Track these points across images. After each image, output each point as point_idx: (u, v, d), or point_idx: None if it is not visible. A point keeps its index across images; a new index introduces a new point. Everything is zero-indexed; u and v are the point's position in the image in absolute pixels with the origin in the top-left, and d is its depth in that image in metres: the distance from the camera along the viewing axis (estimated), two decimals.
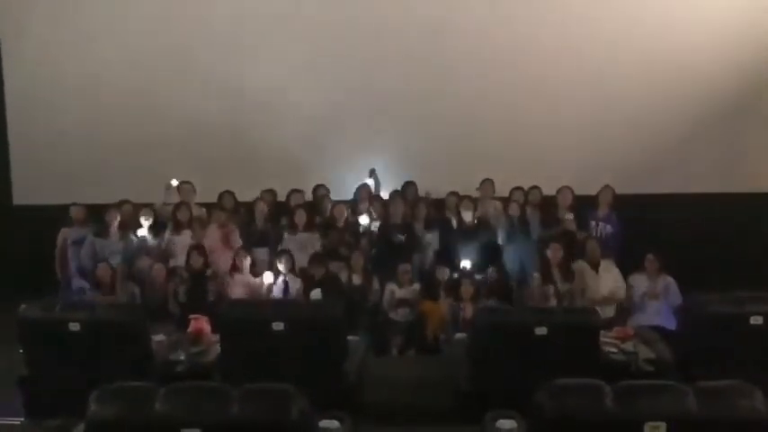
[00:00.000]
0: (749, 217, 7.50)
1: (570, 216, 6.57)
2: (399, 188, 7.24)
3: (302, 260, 6.34)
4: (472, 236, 6.54)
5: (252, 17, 7.69)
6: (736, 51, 7.58)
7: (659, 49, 7.56)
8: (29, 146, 8.01)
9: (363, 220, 6.75)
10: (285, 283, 6.11)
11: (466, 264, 6.22)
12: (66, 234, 6.75)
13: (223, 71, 7.71)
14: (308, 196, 7.22)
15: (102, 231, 6.54)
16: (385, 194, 7.23)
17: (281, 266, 6.15)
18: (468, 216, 6.59)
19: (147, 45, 7.71)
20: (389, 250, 6.51)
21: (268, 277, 6.12)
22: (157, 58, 7.71)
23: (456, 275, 6.20)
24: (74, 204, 6.85)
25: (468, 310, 5.74)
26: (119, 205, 6.70)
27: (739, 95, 7.62)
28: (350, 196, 7.19)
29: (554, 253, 6.03)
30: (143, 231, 6.57)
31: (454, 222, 6.76)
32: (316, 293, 5.94)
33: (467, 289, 5.90)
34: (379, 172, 7.50)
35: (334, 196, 7.17)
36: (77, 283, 6.53)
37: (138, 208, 6.75)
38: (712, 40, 7.56)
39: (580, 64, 7.62)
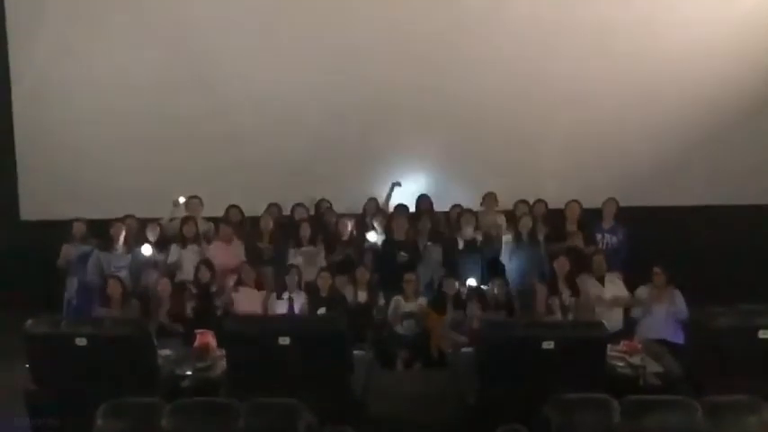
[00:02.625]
0: (757, 229, 7.47)
1: (576, 229, 6.57)
2: (403, 202, 7.25)
3: (307, 274, 6.34)
4: (476, 250, 6.54)
5: (260, 33, 7.72)
6: (739, 63, 7.57)
7: (663, 59, 7.55)
8: (36, 161, 8.04)
9: (372, 237, 6.72)
10: (290, 299, 6.10)
11: (471, 281, 6.21)
12: (68, 250, 6.69)
13: (229, 86, 7.74)
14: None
15: (108, 246, 6.55)
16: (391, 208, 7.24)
17: (288, 282, 6.14)
18: (469, 230, 6.57)
19: (154, 62, 7.75)
20: (393, 268, 6.47)
21: (281, 306, 6.09)
22: (165, 75, 7.74)
23: (464, 291, 6.18)
24: (76, 220, 6.82)
25: (474, 325, 5.73)
26: (123, 220, 6.72)
27: (746, 107, 7.60)
28: (353, 209, 7.22)
29: (560, 266, 6.04)
30: (147, 250, 6.49)
31: (458, 237, 6.74)
32: (322, 312, 5.94)
33: (474, 307, 5.91)
34: (382, 185, 7.49)
35: (338, 209, 7.20)
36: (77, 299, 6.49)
37: (144, 223, 6.76)
38: (716, 49, 7.55)
39: (583, 75, 7.61)
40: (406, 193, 7.42)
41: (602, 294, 6.00)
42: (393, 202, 7.34)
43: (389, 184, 7.45)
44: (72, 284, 6.63)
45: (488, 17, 7.63)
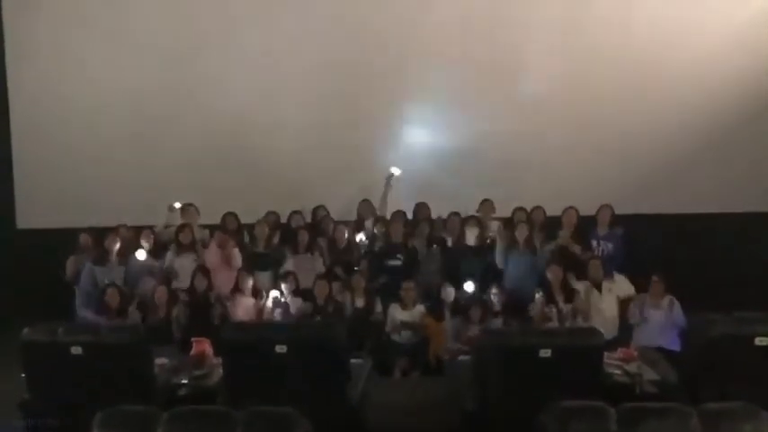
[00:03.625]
0: (754, 237, 7.48)
1: (571, 236, 6.57)
2: (402, 207, 7.24)
3: (304, 281, 6.34)
4: (475, 256, 6.54)
5: (258, 39, 7.73)
6: (743, 67, 7.57)
7: (664, 63, 7.57)
8: (32, 170, 8.04)
9: (359, 236, 6.71)
10: (285, 305, 6.09)
11: (468, 287, 6.20)
12: (77, 262, 6.66)
13: (228, 90, 7.76)
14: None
15: (102, 258, 6.51)
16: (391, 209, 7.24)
17: (284, 288, 6.14)
18: (472, 237, 6.57)
19: (151, 71, 7.77)
20: (389, 272, 6.48)
21: (273, 294, 6.10)
22: (161, 84, 7.76)
23: (462, 298, 6.18)
24: (82, 231, 6.80)
25: (473, 332, 5.73)
26: (116, 229, 6.69)
27: (749, 113, 7.59)
28: (350, 216, 7.22)
29: (554, 273, 6.06)
30: (141, 255, 6.46)
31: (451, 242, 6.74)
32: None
33: (475, 312, 5.91)
34: (378, 192, 7.49)
35: (334, 216, 7.20)
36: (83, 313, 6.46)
37: (137, 231, 6.74)
38: (719, 54, 7.56)
39: (582, 79, 7.63)
40: (406, 197, 7.43)
41: (600, 304, 6.01)
42: (392, 195, 7.32)
43: (385, 180, 7.46)
44: (81, 295, 6.57)
45: (489, 19, 7.63)
